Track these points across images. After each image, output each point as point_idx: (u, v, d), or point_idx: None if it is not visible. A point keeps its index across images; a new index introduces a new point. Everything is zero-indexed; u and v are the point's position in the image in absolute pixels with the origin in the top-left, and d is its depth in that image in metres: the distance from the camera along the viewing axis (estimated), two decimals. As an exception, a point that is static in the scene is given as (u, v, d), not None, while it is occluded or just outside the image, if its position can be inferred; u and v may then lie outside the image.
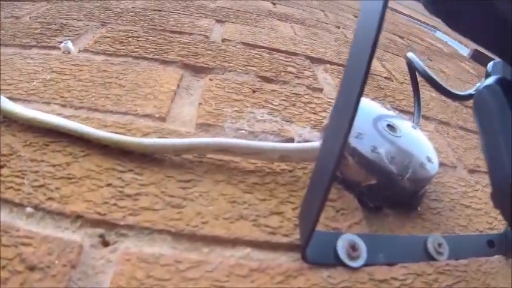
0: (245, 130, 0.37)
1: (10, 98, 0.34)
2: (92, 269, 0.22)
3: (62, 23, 0.59)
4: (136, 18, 0.66)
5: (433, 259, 0.31)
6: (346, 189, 0.34)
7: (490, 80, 0.24)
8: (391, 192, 0.33)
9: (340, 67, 0.65)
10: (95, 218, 0.25)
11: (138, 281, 0.22)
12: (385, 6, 0.20)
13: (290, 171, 0.34)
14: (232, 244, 0.26)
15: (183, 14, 0.76)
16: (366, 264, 0.27)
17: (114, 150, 0.31)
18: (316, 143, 0.33)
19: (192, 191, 0.29)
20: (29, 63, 0.44)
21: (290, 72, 0.56)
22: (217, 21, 0.76)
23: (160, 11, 0.74)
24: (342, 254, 0.27)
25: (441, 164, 0.44)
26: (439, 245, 0.32)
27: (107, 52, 0.49)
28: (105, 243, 0.24)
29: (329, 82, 0.58)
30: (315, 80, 0.56)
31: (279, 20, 0.91)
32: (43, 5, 0.70)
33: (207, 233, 0.26)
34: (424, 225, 0.34)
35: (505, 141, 0.21)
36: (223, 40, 0.64)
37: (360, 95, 0.21)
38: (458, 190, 0.41)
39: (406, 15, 1.76)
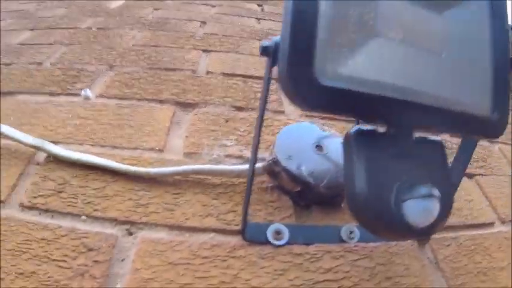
0: (217, 155, 0.55)
1: (53, 142, 0.51)
2: (123, 248, 0.40)
3: (77, 69, 0.76)
4: (137, 58, 0.83)
5: (345, 242, 0.42)
6: (283, 194, 0.50)
7: (356, 128, 0.31)
8: (312, 196, 0.48)
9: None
10: (123, 220, 0.43)
11: (149, 253, 0.40)
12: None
13: (244, 183, 0.51)
14: (203, 231, 0.44)
15: (175, 47, 0.92)
16: (288, 243, 0.42)
17: (131, 176, 0.48)
18: (259, 164, 0.50)
19: (179, 200, 0.47)
20: (60, 110, 0.61)
21: (260, 99, 0.72)
22: (204, 51, 0.92)
23: (156, 46, 0.91)
24: (270, 237, 0.43)
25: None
26: (351, 232, 0.43)
27: (117, 96, 0.67)
28: (130, 234, 0.42)
29: (289, 104, 0.74)
30: (279, 104, 0.72)
31: (258, 40, 1.06)
32: (58, 48, 0.87)
33: (188, 225, 0.44)
34: (342, 218, 0.47)
35: (357, 172, 0.29)
36: (207, 73, 0.80)
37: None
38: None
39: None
